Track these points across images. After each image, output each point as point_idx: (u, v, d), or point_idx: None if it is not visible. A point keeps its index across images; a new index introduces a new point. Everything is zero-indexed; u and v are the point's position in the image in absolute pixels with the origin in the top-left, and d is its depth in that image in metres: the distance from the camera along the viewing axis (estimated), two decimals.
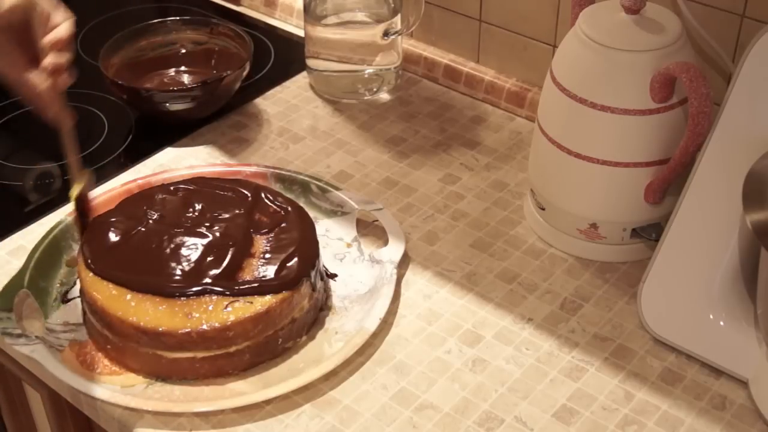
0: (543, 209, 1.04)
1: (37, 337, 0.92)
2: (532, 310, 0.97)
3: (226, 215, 0.98)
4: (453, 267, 1.02)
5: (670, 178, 0.96)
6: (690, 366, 0.91)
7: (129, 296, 0.90)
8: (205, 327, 0.88)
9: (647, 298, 0.94)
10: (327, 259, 1.01)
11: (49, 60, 0.88)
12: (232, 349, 0.89)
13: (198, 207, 0.98)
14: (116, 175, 1.13)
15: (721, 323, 0.90)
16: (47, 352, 0.91)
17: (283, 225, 0.97)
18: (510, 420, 0.87)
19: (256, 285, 0.91)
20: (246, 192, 1.00)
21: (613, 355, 0.93)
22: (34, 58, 0.89)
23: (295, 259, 0.93)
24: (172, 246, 0.94)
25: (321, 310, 0.97)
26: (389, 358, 0.92)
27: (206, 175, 1.07)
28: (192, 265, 0.92)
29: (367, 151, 1.18)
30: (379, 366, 0.92)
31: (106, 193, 1.06)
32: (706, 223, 0.90)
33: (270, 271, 0.92)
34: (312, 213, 1.02)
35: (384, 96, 1.27)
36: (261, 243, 0.95)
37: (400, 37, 1.24)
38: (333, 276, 1.00)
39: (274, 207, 0.99)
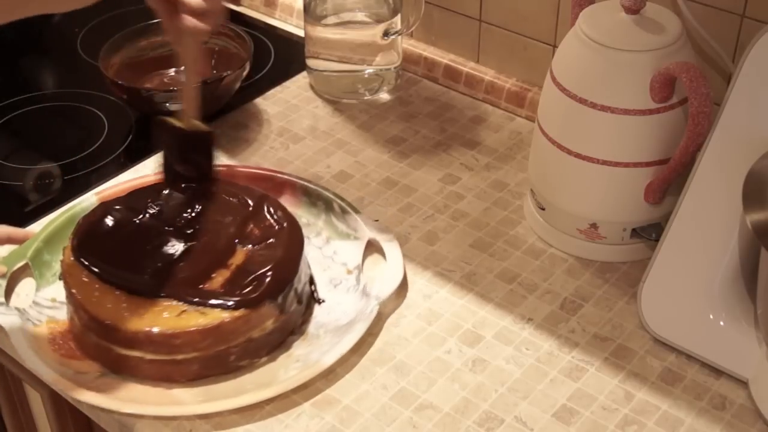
0: (543, 209, 1.04)
1: (17, 308, 0.94)
2: (532, 310, 0.97)
3: (220, 221, 0.96)
4: (453, 267, 1.02)
5: (670, 178, 0.96)
6: (690, 366, 0.91)
7: (97, 286, 0.90)
8: (154, 330, 0.87)
9: (647, 298, 0.94)
10: (322, 282, 0.98)
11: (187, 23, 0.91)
12: (180, 357, 0.88)
13: (197, 208, 0.98)
14: (116, 175, 1.13)
15: (721, 323, 0.90)
16: (17, 324, 0.92)
17: (271, 241, 0.95)
18: (510, 420, 0.87)
19: (213, 298, 0.89)
20: (249, 201, 0.99)
21: (613, 355, 0.93)
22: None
23: (267, 279, 0.90)
24: (156, 244, 0.94)
25: (292, 333, 0.94)
26: (389, 358, 0.92)
27: (236, 173, 1.07)
28: (164, 266, 0.91)
29: (367, 151, 1.18)
30: (379, 366, 0.92)
31: (136, 180, 1.07)
32: (706, 223, 0.90)
33: (235, 287, 0.90)
34: (327, 232, 1.01)
35: (384, 96, 1.27)
36: (240, 256, 0.93)
37: (400, 37, 1.24)
38: (320, 301, 0.97)
39: (271, 221, 0.97)
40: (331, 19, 1.24)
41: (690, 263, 0.91)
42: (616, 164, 0.97)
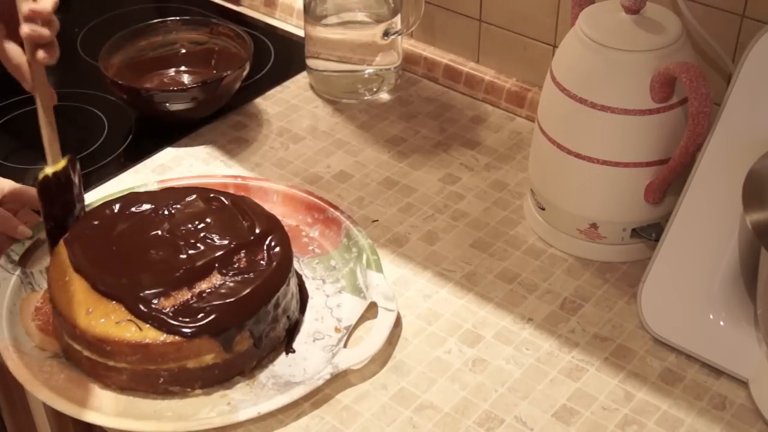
0: (543, 209, 1.04)
1: (24, 271, 0.95)
2: (532, 310, 0.97)
3: (216, 242, 0.93)
4: (453, 267, 1.02)
5: (670, 178, 0.96)
6: (690, 366, 0.91)
7: (68, 270, 0.91)
8: (90, 329, 0.87)
9: (647, 298, 0.94)
10: (306, 332, 0.93)
11: (25, 30, 0.86)
12: (110, 363, 0.87)
13: (204, 223, 0.95)
14: (116, 175, 1.13)
15: (721, 323, 0.90)
16: (12, 283, 0.95)
17: (249, 276, 0.90)
18: (510, 420, 0.87)
19: (154, 315, 0.87)
20: (257, 229, 0.95)
21: (613, 355, 0.93)
22: (17, 30, 0.88)
23: (213, 314, 0.87)
24: (144, 246, 0.93)
25: (241, 374, 0.90)
26: (389, 358, 0.92)
27: (294, 196, 1.06)
28: (134, 271, 0.90)
29: (367, 151, 1.18)
30: (379, 366, 0.92)
31: (202, 177, 1.08)
32: (706, 223, 0.90)
33: (184, 311, 0.87)
34: (345, 282, 0.98)
35: (384, 96, 1.27)
36: (210, 283, 0.90)
37: (400, 37, 1.24)
38: (289, 350, 0.92)
39: (263, 255, 0.92)
40: (331, 19, 1.24)
41: (690, 263, 0.91)
42: (616, 164, 0.97)
